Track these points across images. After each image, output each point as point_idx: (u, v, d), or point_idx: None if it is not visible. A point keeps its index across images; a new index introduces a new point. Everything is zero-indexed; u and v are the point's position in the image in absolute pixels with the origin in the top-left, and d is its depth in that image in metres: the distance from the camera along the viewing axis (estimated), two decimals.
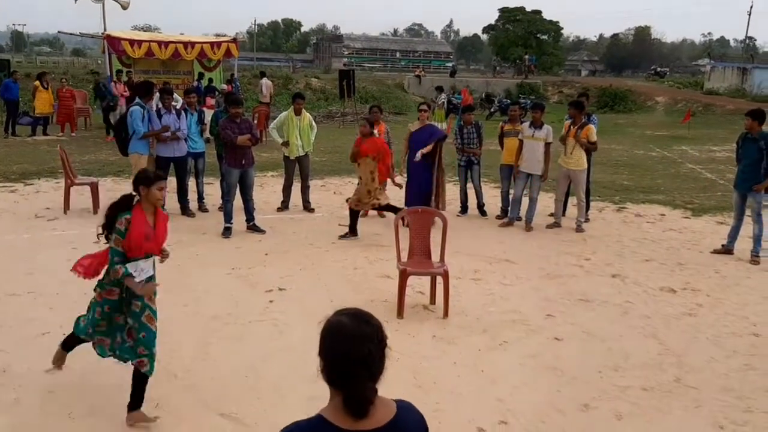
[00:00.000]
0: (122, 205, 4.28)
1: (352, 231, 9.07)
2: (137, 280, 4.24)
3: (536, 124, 9.60)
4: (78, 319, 4.63)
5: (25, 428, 4.18)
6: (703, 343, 5.89)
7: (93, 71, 20.25)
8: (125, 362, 4.41)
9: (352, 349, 1.82)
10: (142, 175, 4.30)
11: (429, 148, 9.47)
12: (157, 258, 4.47)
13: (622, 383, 5.06)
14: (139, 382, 4.25)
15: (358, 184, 9.05)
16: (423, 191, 9.49)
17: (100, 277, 4.47)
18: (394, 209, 8.80)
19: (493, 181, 12.64)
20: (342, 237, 8.99)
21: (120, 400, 4.54)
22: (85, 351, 5.29)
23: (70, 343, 4.76)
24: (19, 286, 6.72)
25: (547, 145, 9.58)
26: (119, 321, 4.39)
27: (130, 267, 4.22)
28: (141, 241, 4.22)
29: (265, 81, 24.55)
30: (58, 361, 4.81)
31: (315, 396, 4.69)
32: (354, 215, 9.08)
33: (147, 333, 4.30)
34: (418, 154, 9.45)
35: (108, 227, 4.27)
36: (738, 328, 6.28)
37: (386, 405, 1.90)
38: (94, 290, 4.48)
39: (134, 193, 4.29)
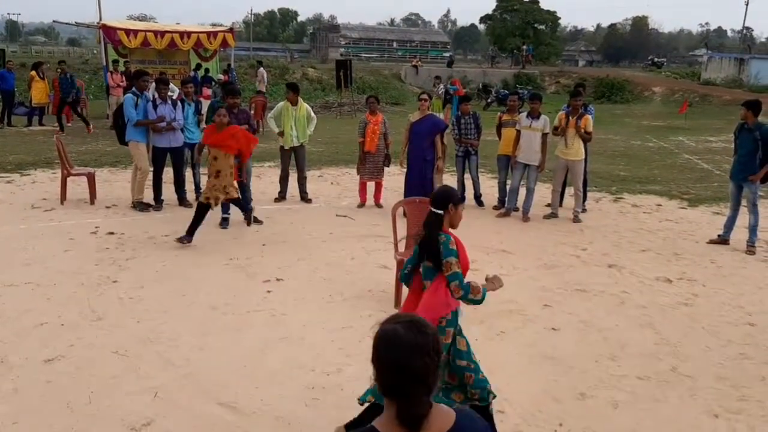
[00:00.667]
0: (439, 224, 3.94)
1: (191, 233, 8.00)
2: None
3: (534, 115, 9.60)
4: None
5: (24, 418, 4.19)
6: (699, 333, 5.92)
7: (61, 61, 19.73)
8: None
9: (407, 362, 1.75)
10: (451, 193, 4.09)
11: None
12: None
13: (619, 372, 5.09)
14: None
15: (210, 177, 8.04)
16: (424, 186, 9.42)
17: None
18: (243, 206, 8.48)
19: (490, 171, 12.65)
20: (179, 240, 7.93)
21: (118, 391, 4.57)
22: (83, 342, 5.32)
23: None
24: (16, 277, 6.72)
25: (545, 135, 9.59)
26: None
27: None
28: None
29: (261, 70, 24.64)
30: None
31: (313, 385, 4.72)
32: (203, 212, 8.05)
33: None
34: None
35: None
36: (733, 317, 6.32)
37: (444, 414, 1.84)
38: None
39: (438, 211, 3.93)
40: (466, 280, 3.78)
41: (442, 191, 4.11)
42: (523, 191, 9.95)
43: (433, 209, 3.95)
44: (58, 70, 18.70)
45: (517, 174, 9.84)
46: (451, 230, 3.94)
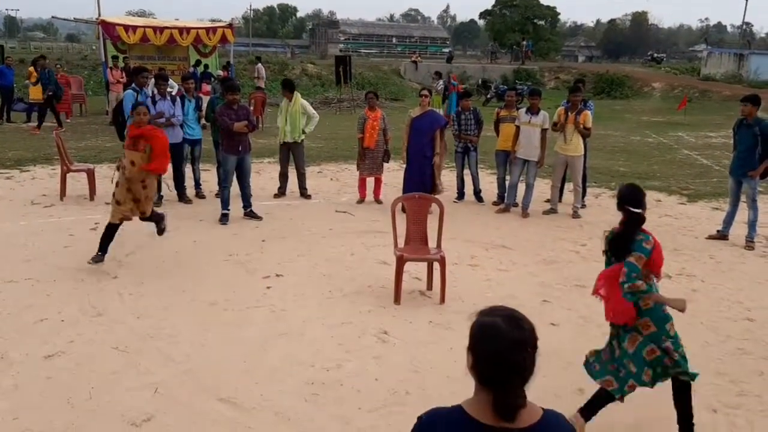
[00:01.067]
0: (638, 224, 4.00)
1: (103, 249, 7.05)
2: None
3: (533, 111, 9.60)
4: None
5: (24, 414, 4.20)
6: (698, 328, 5.93)
7: (41, 56, 19.46)
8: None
9: (507, 356, 1.80)
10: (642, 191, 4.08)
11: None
12: None
13: None
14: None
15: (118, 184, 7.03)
16: (423, 182, 9.42)
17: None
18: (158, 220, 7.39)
19: (489, 167, 12.65)
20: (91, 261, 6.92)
21: (118, 387, 4.58)
22: (83, 338, 5.33)
23: None
24: (16, 273, 6.73)
25: (544, 131, 9.59)
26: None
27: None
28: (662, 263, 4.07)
29: (259, 66, 24.68)
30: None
31: (312, 380, 4.74)
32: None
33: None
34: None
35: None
36: (732, 313, 6.33)
37: (531, 408, 1.88)
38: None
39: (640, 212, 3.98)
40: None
41: (635, 189, 4.06)
42: (522, 187, 9.95)
43: (631, 208, 3.95)
44: (38, 65, 18.62)
45: (516, 170, 9.84)
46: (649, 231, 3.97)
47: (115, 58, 19.97)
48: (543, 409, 1.92)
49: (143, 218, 7.21)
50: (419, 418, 1.95)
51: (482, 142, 11.03)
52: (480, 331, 1.87)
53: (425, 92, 10.02)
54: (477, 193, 10.68)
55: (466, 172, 10.66)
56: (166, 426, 4.14)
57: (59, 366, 4.85)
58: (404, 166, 9.92)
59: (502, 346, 1.81)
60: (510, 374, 1.80)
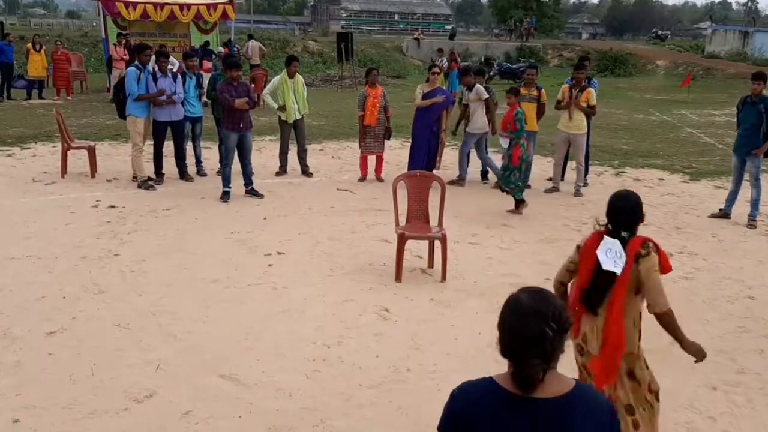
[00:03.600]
0: None
1: None
2: None
3: (469, 88, 9.92)
4: None
5: (27, 390, 4.23)
6: (699, 306, 5.94)
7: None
8: None
9: (524, 326, 1.84)
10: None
11: (437, 100, 9.57)
12: None
13: None
14: None
15: None
16: (429, 158, 9.58)
17: None
18: None
19: (492, 145, 12.58)
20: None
21: (120, 363, 4.60)
22: (85, 315, 5.34)
23: None
24: (17, 250, 6.74)
25: (485, 101, 9.79)
26: None
27: None
28: None
29: (251, 43, 24.44)
30: None
31: (313, 357, 4.75)
32: None
33: None
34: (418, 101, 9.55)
35: None
36: (734, 291, 6.33)
37: (561, 380, 1.90)
38: None
39: None
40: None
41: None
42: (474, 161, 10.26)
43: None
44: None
45: (470, 142, 10.06)
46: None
47: (120, 35, 19.79)
48: (575, 380, 1.94)
49: None
50: (452, 393, 1.97)
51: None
52: (505, 305, 1.92)
53: (436, 69, 10.03)
54: (484, 173, 10.57)
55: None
56: (167, 402, 4.16)
57: (61, 342, 4.87)
58: (407, 143, 9.91)
59: (520, 318, 1.85)
60: (525, 345, 1.83)
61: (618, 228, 3.32)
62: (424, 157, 9.50)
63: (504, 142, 8.99)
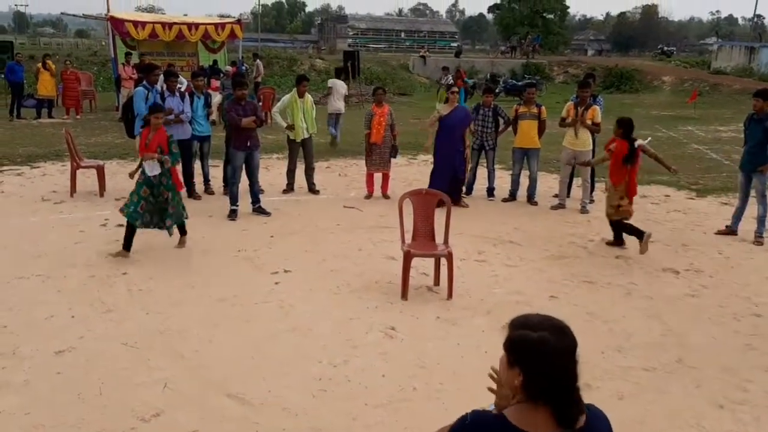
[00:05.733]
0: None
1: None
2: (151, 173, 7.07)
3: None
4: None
5: (36, 409, 4.25)
6: (705, 324, 5.93)
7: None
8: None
9: (563, 369, 1.83)
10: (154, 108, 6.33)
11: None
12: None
13: (624, 363, 5.11)
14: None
15: None
16: (456, 177, 9.69)
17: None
18: None
19: (500, 161, 12.60)
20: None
21: (128, 382, 4.62)
22: (93, 334, 5.38)
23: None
24: (27, 269, 6.79)
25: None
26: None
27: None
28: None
29: (258, 62, 24.88)
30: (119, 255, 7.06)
31: (320, 376, 4.77)
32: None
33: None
34: None
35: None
36: (740, 308, 6.31)
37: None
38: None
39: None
40: None
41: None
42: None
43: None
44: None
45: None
46: None
47: (128, 54, 20.02)
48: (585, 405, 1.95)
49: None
50: (464, 416, 1.92)
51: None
52: (530, 348, 1.86)
53: (455, 89, 10.11)
54: (490, 190, 10.60)
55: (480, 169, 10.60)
56: (175, 421, 4.18)
57: (69, 362, 4.90)
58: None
59: (556, 361, 1.83)
60: (567, 385, 1.83)
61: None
62: (446, 182, 9.46)
63: None
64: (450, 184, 9.43)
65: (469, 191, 10.62)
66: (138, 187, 7.21)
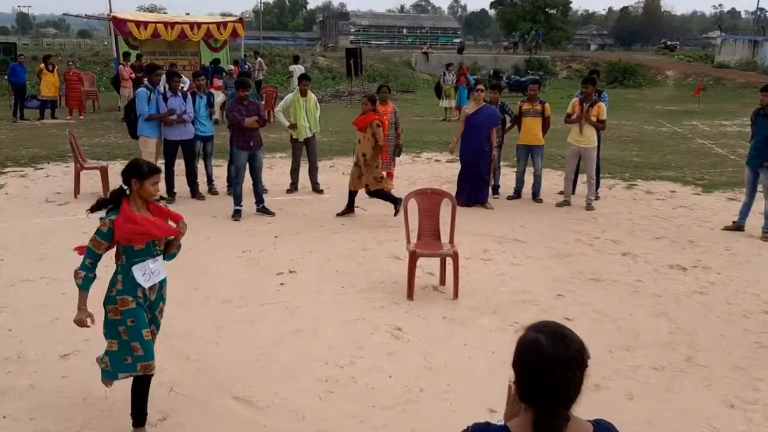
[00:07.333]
0: (110, 201, 4.06)
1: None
2: (147, 284, 4.16)
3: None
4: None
5: (42, 414, 4.24)
6: (714, 322, 5.88)
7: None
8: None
9: (545, 374, 1.73)
10: (135, 168, 3.92)
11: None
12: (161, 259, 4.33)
13: (633, 363, 5.07)
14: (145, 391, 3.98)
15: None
16: (483, 178, 9.70)
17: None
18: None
19: (503, 159, 12.56)
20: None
21: None
22: (98, 337, 5.35)
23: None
24: (31, 272, 6.77)
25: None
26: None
27: (137, 270, 4.07)
28: (131, 232, 4.00)
29: (260, 60, 24.90)
30: None
31: (326, 378, 4.74)
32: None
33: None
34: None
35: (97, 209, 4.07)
36: (749, 305, 6.26)
37: (580, 425, 1.82)
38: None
39: (124, 187, 3.99)
40: None
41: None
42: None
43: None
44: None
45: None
46: None
47: (126, 54, 20.01)
48: (592, 422, 1.85)
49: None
50: (465, 430, 1.86)
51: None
52: (521, 347, 1.81)
53: (481, 87, 10.03)
54: (496, 188, 10.56)
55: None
56: (181, 425, 4.16)
57: (75, 365, 4.88)
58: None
59: (540, 364, 1.74)
60: (550, 394, 1.74)
61: None
62: (473, 183, 9.63)
63: None
64: (475, 184, 9.45)
65: (495, 192, 10.50)
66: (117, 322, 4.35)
